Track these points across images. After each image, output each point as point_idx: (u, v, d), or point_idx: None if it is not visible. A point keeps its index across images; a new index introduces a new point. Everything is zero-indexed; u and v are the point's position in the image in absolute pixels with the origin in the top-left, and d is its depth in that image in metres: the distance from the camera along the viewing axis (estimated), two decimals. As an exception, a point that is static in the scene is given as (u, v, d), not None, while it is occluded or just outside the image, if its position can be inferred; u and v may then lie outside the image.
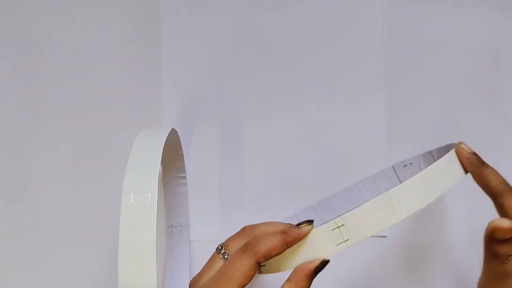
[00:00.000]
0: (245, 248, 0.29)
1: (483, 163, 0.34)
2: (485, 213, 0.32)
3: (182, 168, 0.44)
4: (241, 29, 0.46)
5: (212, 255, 0.31)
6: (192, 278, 0.31)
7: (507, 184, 0.33)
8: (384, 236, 0.44)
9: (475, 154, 0.34)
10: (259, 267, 0.30)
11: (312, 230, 0.29)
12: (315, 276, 0.29)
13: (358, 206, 0.29)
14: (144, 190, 0.27)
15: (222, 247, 0.31)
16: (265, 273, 0.31)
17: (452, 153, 0.33)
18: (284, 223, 0.32)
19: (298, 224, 0.30)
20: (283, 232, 0.29)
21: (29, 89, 0.45)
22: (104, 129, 0.45)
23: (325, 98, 0.45)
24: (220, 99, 0.45)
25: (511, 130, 0.45)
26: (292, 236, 0.29)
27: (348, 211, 0.29)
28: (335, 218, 0.29)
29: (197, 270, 0.43)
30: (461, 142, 0.34)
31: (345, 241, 0.29)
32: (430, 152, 0.40)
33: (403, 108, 0.45)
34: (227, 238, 0.32)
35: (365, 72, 0.45)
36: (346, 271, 0.44)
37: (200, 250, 0.44)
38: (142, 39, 0.45)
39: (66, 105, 0.45)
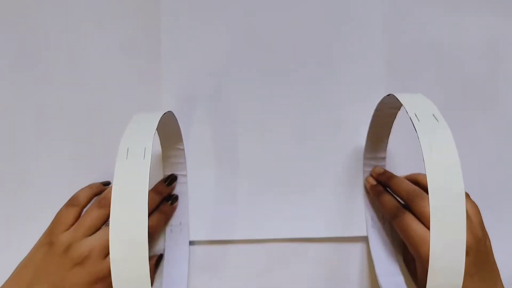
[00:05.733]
0: None
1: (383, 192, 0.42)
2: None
3: (183, 165, 0.43)
4: (240, 28, 0.46)
5: None
6: None
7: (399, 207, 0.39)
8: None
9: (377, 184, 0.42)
10: None
11: None
12: None
13: None
14: (139, 148, 0.28)
15: None
16: None
17: None
18: None
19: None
20: None
21: (29, 89, 0.45)
22: (104, 130, 0.45)
23: (325, 98, 0.45)
24: (219, 99, 0.45)
25: (511, 130, 0.46)
26: None
27: None
28: None
29: (197, 269, 0.43)
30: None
31: None
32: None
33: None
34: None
35: (365, 72, 0.46)
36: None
37: (199, 250, 0.44)
38: (142, 39, 0.45)
39: (66, 105, 0.45)
